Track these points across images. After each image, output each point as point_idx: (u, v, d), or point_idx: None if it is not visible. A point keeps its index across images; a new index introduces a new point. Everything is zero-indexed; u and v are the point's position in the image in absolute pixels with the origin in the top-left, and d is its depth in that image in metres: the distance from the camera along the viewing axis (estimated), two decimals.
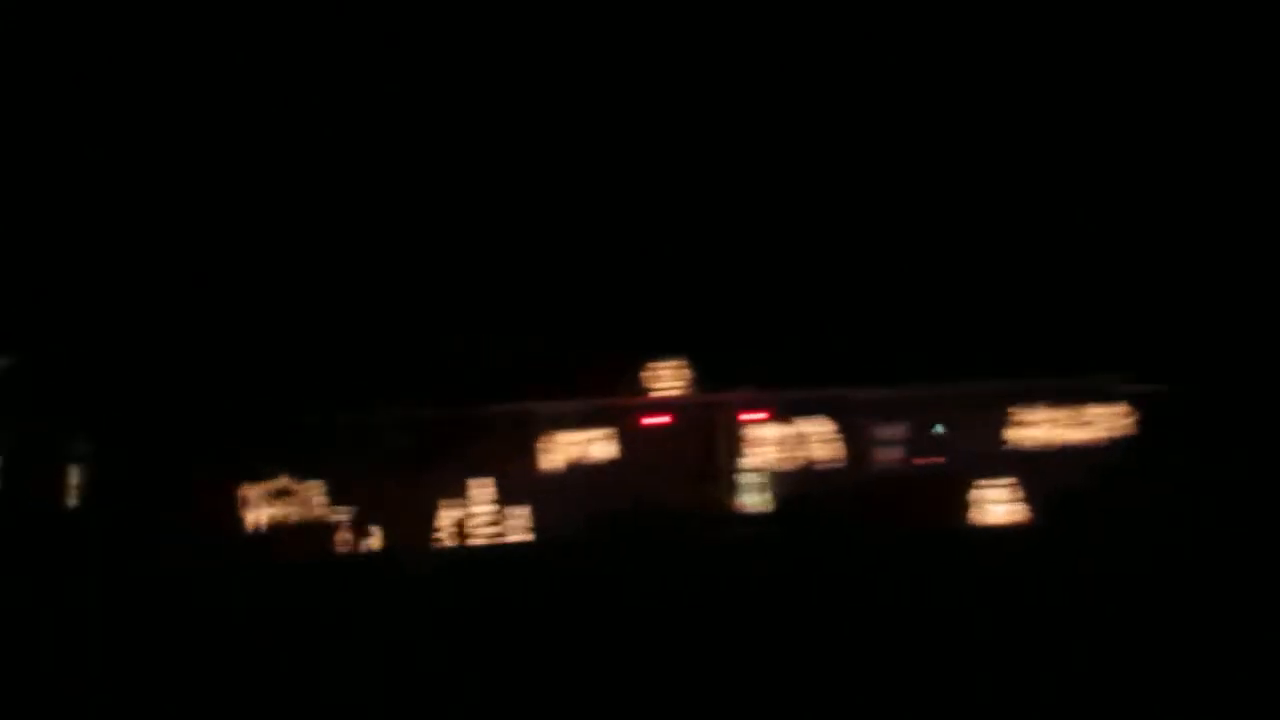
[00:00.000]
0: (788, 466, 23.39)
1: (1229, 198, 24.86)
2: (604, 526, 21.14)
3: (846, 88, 26.10)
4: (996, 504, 22.13)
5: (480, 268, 25.08)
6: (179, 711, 9.82)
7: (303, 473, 22.58)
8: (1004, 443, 23.08)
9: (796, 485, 23.07)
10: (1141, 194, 24.81)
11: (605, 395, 23.62)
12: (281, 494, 22.48)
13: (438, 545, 22.55)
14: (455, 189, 25.74)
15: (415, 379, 23.34)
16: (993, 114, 25.87)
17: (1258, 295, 23.77)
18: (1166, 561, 15.14)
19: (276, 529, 22.32)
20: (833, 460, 23.36)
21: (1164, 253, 24.22)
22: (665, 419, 23.68)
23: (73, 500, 21.88)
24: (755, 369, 23.42)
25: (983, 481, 22.27)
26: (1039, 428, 23.07)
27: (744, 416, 23.60)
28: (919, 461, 23.18)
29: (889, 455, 23.34)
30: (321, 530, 22.24)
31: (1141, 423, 22.88)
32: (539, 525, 22.69)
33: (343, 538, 22.40)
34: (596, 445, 23.46)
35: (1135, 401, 23.01)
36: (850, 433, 23.38)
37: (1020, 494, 22.16)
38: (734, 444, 23.61)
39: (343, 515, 22.47)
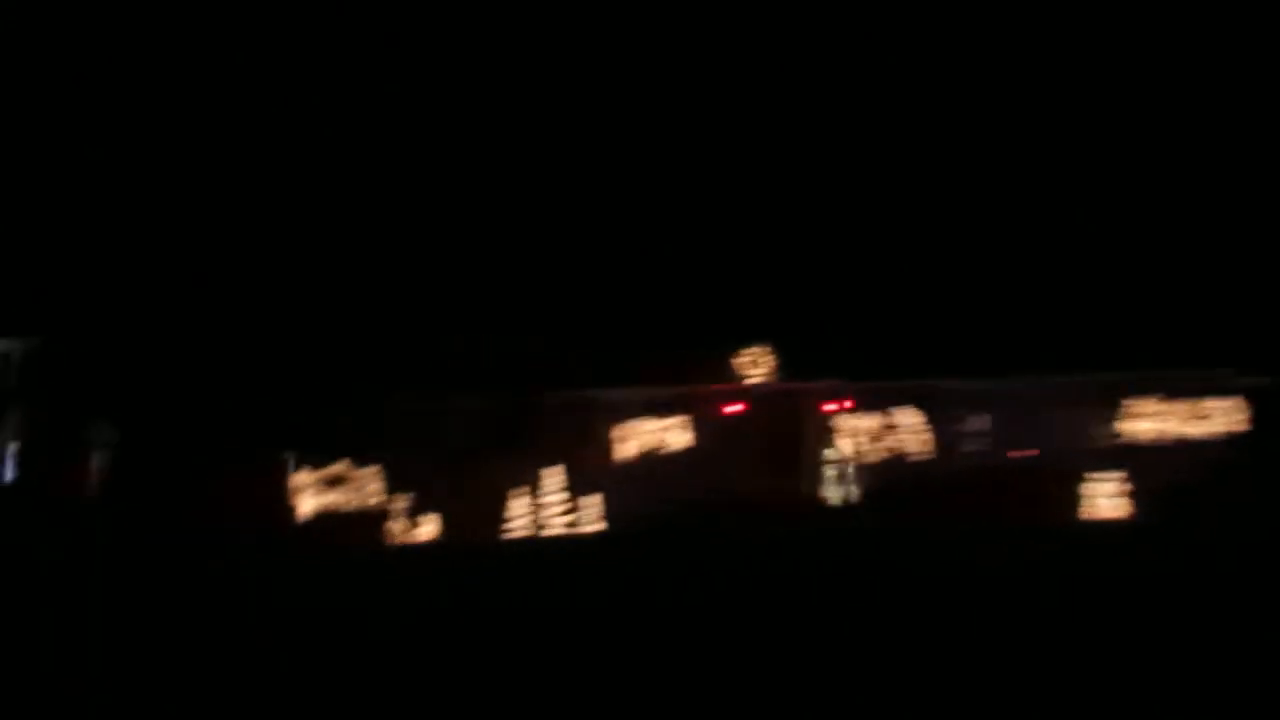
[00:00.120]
0: (873, 459, 22.78)
1: None
2: (679, 517, 20.66)
3: (940, 75, 25.67)
4: (1099, 499, 21.53)
5: (554, 253, 24.69)
6: (209, 709, 9.64)
7: (360, 459, 22.04)
8: (1105, 436, 22.37)
9: (882, 478, 22.52)
10: (1261, 185, 24.13)
11: (683, 382, 23.03)
12: (335, 482, 21.97)
13: (505, 536, 21.99)
14: (538, 175, 25.36)
15: (482, 366, 22.86)
16: (1101, 99, 25.41)
17: None
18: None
19: (327, 519, 21.61)
20: (921, 453, 22.71)
21: None
22: (745, 407, 23.07)
23: (92, 490, 20.55)
24: (843, 358, 22.79)
25: (1083, 475, 21.62)
26: (1149, 421, 22.37)
27: (827, 406, 22.97)
28: (1013, 454, 22.38)
29: (979, 447, 22.64)
30: (377, 520, 21.60)
31: (1256, 418, 21.98)
32: (611, 515, 22.07)
33: (400, 527, 21.82)
34: (673, 434, 22.87)
35: (1251, 395, 22.13)
36: (940, 424, 22.74)
37: (1126, 489, 21.52)
38: (817, 434, 22.99)
39: (401, 504, 21.85)
